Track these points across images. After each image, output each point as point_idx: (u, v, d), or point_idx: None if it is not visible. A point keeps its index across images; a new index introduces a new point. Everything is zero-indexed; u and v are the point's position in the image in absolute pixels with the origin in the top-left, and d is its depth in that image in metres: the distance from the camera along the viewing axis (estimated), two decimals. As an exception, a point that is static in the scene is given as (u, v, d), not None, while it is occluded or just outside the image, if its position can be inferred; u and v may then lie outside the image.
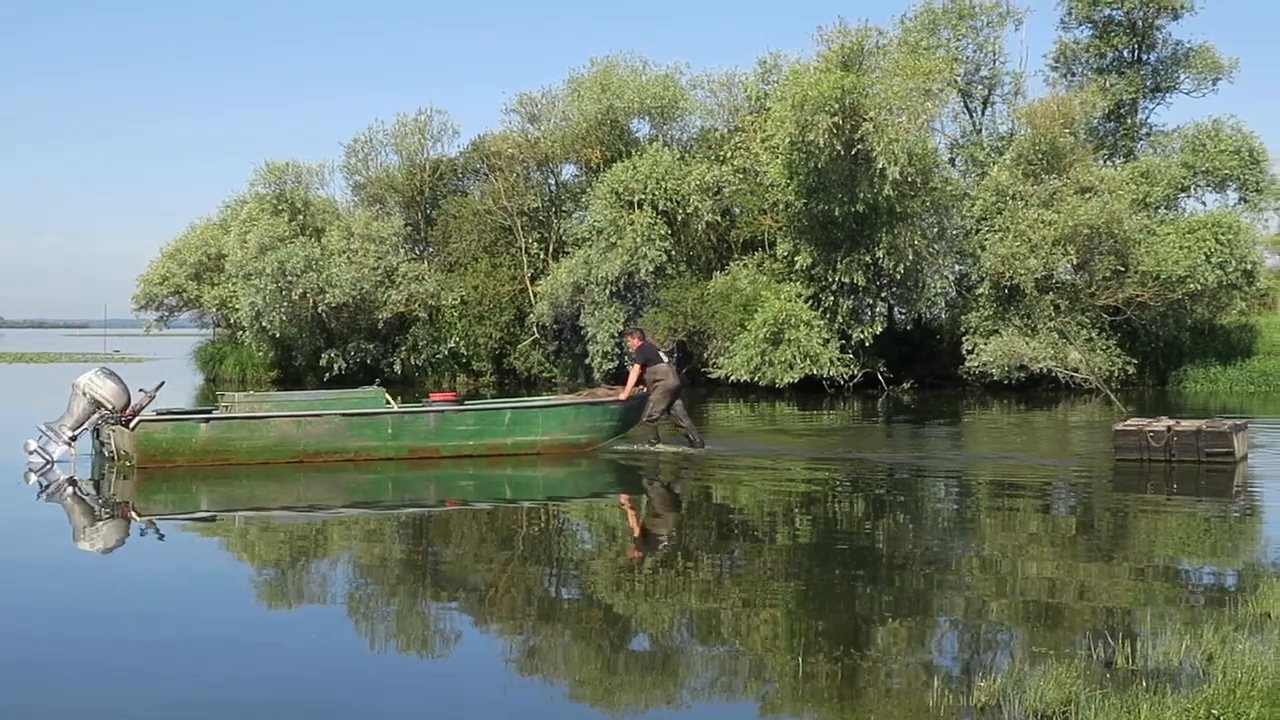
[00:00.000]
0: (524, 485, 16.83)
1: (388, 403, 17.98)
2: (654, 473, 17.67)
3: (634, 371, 18.99)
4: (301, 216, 41.99)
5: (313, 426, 17.27)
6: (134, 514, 14.04)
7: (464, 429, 17.99)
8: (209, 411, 17.79)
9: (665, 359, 19.48)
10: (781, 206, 36.28)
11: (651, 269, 36.92)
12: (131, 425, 16.65)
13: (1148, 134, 41.59)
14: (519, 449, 18.16)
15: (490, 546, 12.00)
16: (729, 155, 38.55)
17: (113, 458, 17.05)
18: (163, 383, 17.83)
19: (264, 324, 39.95)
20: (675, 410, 19.25)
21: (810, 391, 33.95)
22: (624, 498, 15.81)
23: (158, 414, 17.37)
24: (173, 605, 9.30)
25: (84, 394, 16.89)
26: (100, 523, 13.75)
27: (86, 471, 16.86)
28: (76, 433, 17.04)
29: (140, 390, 17.11)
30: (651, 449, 18.86)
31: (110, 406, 16.87)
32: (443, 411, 18.03)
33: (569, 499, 15.94)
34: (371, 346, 40.96)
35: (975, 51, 39.87)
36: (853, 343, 35.32)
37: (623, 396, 18.88)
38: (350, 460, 17.33)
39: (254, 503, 15.18)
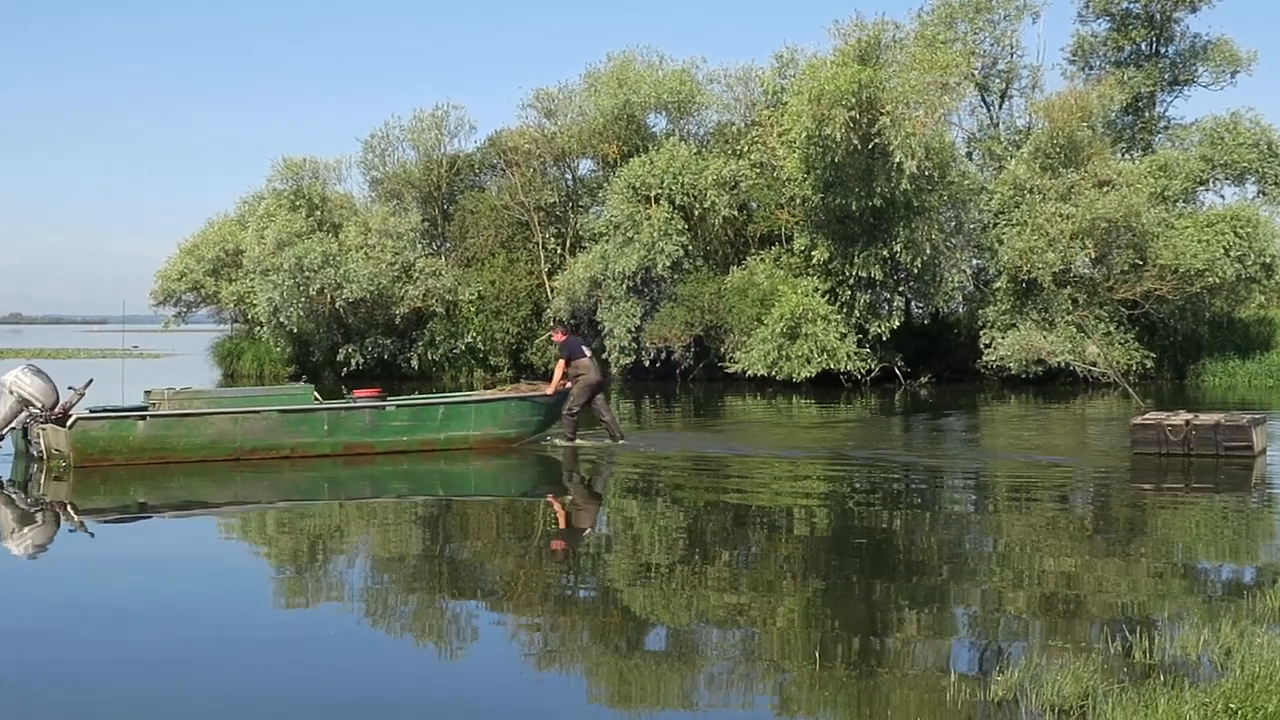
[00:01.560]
0: (458, 481, 16.84)
1: (316, 400, 17.97)
2: (574, 467, 17.66)
3: (559, 365, 19.15)
4: (319, 212, 42.05)
5: (250, 424, 16.96)
6: (73, 516, 13.60)
7: (398, 425, 17.98)
8: (142, 410, 17.16)
9: (588, 353, 19.58)
10: (798, 201, 36.25)
11: (668, 264, 36.92)
12: (69, 423, 16.10)
13: (1166, 127, 41.44)
14: (451, 444, 18.21)
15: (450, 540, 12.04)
16: (745, 150, 38.52)
17: (42, 458, 16.44)
18: (91, 380, 17.23)
19: (281, 319, 40.02)
20: (596, 404, 19.43)
21: (828, 386, 33.93)
22: (583, 489, 15.82)
23: (91, 411, 16.85)
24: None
25: (11, 392, 16.26)
26: (37, 526, 13.32)
27: (7, 472, 16.15)
28: (4, 432, 16.57)
29: (69, 388, 16.51)
30: (569, 444, 18.89)
31: (39, 405, 16.27)
32: (378, 407, 18.04)
33: (498, 496, 15.94)
34: (389, 342, 41.02)
35: (992, 45, 39.76)
36: (870, 337, 35.28)
37: (550, 391, 19.06)
38: (286, 458, 17.14)
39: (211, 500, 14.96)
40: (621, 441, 19.14)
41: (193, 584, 9.91)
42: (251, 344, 45.92)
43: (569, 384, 19.04)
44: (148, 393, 17.72)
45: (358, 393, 19.00)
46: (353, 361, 40.46)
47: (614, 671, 7.49)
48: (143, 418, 16.64)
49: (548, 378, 20.26)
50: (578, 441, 18.96)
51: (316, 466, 16.99)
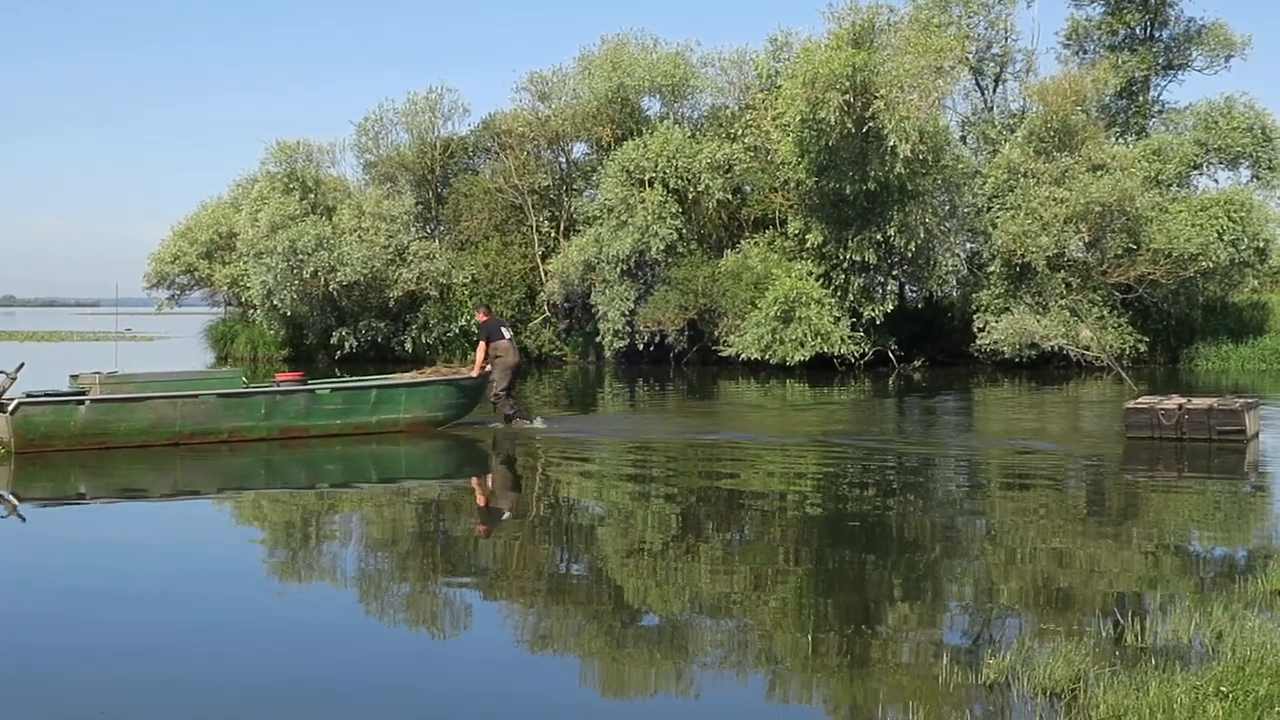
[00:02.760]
0: (392, 463, 16.84)
1: (245, 384, 17.87)
2: (509, 447, 17.82)
3: (481, 346, 19.34)
4: (312, 195, 41.97)
5: (188, 408, 16.83)
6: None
7: (332, 408, 18.03)
8: (73, 394, 16.62)
9: (507, 335, 19.76)
10: (792, 184, 36.23)
11: (662, 247, 36.88)
12: (11, 409, 15.76)
13: (1160, 111, 41.43)
14: (383, 427, 18.33)
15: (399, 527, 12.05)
16: (740, 133, 38.49)
17: None
18: (23, 364, 16.76)
19: (275, 302, 39.95)
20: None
21: (821, 369, 33.95)
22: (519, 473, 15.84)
23: (29, 396, 16.38)
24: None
25: None
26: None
27: None
28: None
29: (1, 373, 16.11)
30: (512, 427, 19.10)
31: None
32: (313, 391, 18.03)
33: (431, 479, 15.94)
34: (382, 325, 40.98)
35: (987, 29, 39.70)
36: (864, 321, 35.30)
37: (474, 373, 19.25)
38: (225, 441, 17.04)
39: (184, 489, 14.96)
40: (531, 425, 19.35)
41: (149, 566, 9.93)
42: (245, 327, 45.83)
43: (490, 366, 19.24)
44: (74, 377, 17.35)
45: (280, 376, 18.86)
46: (346, 345, 40.43)
47: (597, 657, 7.50)
48: (82, 403, 16.28)
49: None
50: (517, 423, 19.24)
51: (253, 450, 16.91)
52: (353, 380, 20.20)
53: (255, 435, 17.30)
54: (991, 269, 35.81)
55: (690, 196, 37.64)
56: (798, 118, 33.49)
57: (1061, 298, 34.61)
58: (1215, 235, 34.54)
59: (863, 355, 35.00)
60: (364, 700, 6.49)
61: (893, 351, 35.98)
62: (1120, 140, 38.76)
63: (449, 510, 13.15)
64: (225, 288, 47.05)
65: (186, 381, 17.63)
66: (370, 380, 19.75)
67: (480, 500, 13.95)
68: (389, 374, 21.15)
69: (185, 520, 12.53)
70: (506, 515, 12.73)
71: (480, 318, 20.37)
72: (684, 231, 37.59)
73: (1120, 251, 34.99)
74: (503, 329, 19.85)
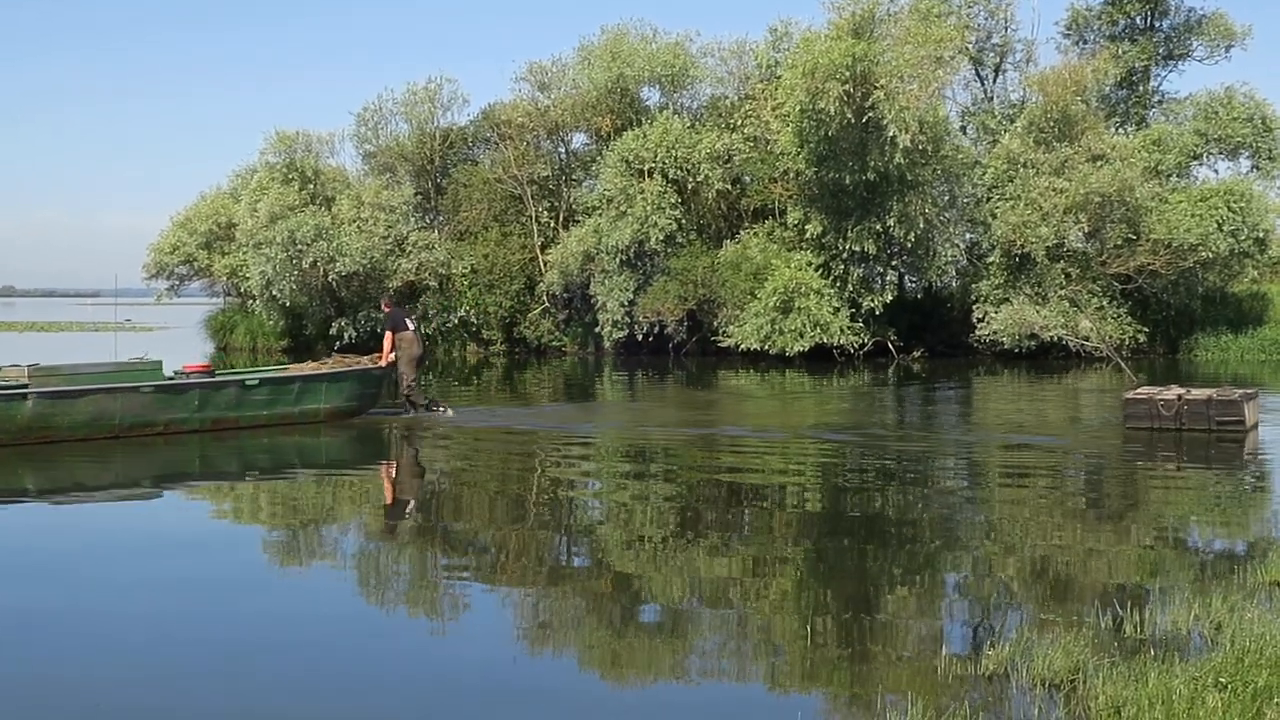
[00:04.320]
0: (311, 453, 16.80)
1: (173, 377, 17.67)
2: (415, 436, 17.97)
3: (388, 337, 19.61)
4: (312, 185, 41.99)
5: (128, 401, 16.63)
6: None
7: (259, 399, 18.01)
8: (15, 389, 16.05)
9: (411, 326, 20.06)
10: (792, 175, 36.21)
11: (662, 237, 36.89)
12: None
13: (1160, 101, 41.42)
14: (305, 418, 18.40)
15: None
16: (739, 123, 38.47)
17: None
18: None
19: (274, 293, 39.96)
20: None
21: (820, 360, 33.95)
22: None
23: None
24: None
25: None
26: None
27: None
28: None
29: None
30: (423, 415, 19.38)
31: None
32: (241, 382, 18.03)
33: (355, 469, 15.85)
34: (381, 315, 40.93)
35: (987, 19, 39.76)
36: (863, 311, 35.31)
37: (383, 362, 19.42)
38: (160, 434, 16.86)
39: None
40: (413, 415, 19.53)
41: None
42: (244, 317, 45.86)
43: (395, 356, 19.46)
44: None
45: (187, 367, 18.65)
46: (345, 335, 40.44)
47: (596, 647, 7.50)
48: (25, 396, 15.87)
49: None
50: (438, 411, 19.60)
51: (186, 442, 16.66)
52: (270, 371, 19.89)
53: (189, 427, 17.20)
54: (991, 259, 35.81)
55: (690, 187, 37.64)
56: (797, 108, 33.48)
57: (1061, 288, 34.62)
58: (1215, 225, 34.56)
59: (862, 346, 35.02)
60: (366, 691, 6.48)
61: (892, 342, 35.99)
62: (1120, 130, 38.73)
63: (434, 499, 13.13)
64: (224, 278, 47.09)
65: (112, 373, 17.32)
66: (267, 372, 19.51)
67: (385, 492, 13.93)
68: (287, 365, 21.03)
69: (194, 513, 12.54)
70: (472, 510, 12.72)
71: (385, 308, 20.75)
72: (683, 222, 37.59)
73: (1120, 242, 34.99)
74: (407, 320, 20.22)
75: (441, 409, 19.81)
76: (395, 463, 16.34)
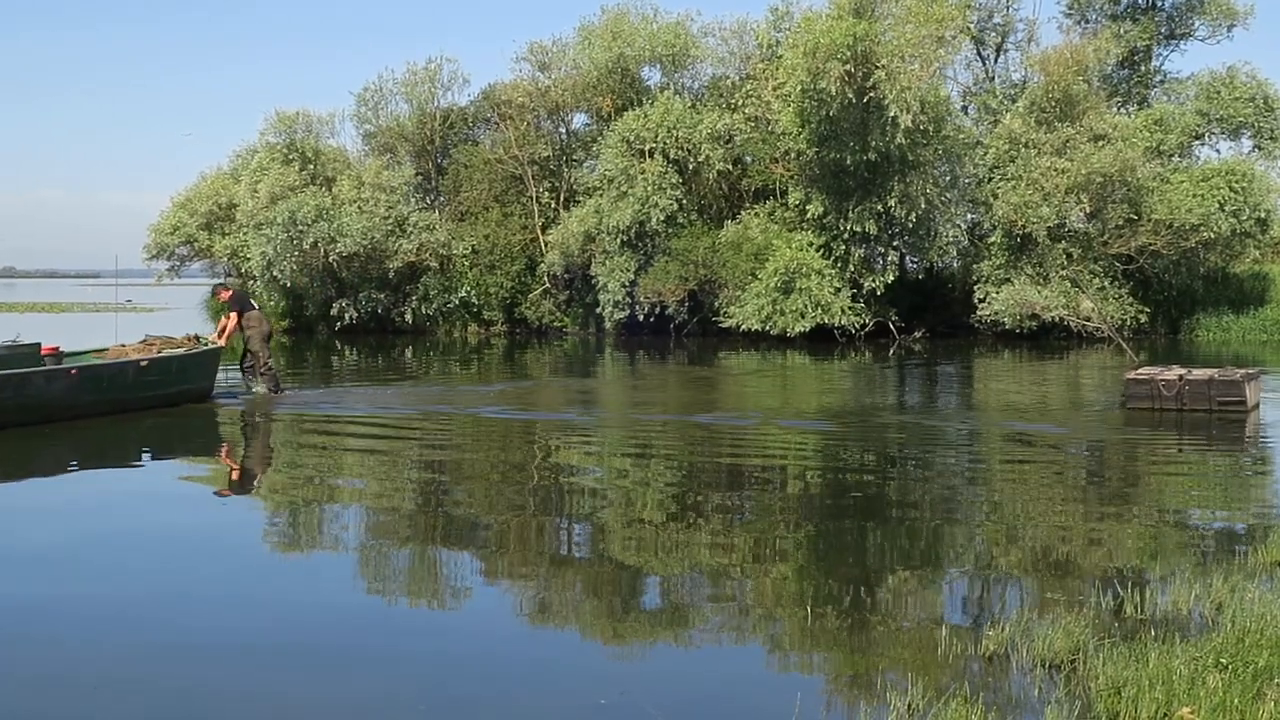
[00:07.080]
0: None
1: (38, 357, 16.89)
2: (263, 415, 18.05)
3: (231, 318, 19.87)
4: (312, 166, 41.97)
5: (58, 383, 16.17)
6: None
7: (151, 379, 17.72)
8: None
9: (257, 306, 20.69)
10: (793, 155, 36.14)
11: (662, 218, 36.85)
12: None
13: (1162, 81, 41.29)
14: (183, 398, 18.30)
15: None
16: (740, 103, 38.39)
17: None
18: None
19: (275, 273, 39.93)
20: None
21: (822, 340, 33.94)
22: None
23: None
24: None
25: None
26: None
27: None
28: None
29: None
30: (274, 395, 19.62)
31: None
32: (137, 363, 17.57)
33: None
34: (382, 296, 40.97)
35: (989, -2, 39.60)
36: (864, 292, 35.30)
37: (222, 342, 19.73)
38: (77, 417, 16.21)
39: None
40: (253, 394, 19.77)
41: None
42: (245, 298, 45.76)
43: (247, 334, 19.83)
44: None
45: (45, 350, 17.25)
46: (347, 315, 40.46)
47: (598, 629, 7.51)
48: None
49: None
50: (285, 391, 20.09)
51: (95, 424, 16.23)
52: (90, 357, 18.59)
53: (98, 411, 16.64)
54: (992, 240, 35.79)
55: (690, 167, 37.59)
56: (798, 88, 33.40)
57: (1062, 268, 34.59)
58: (1217, 206, 34.52)
59: (863, 326, 35.02)
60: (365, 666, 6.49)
61: (893, 322, 35.98)
62: (1122, 110, 38.67)
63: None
64: (225, 259, 47.00)
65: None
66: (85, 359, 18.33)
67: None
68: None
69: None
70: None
71: (225, 295, 20.86)
72: (684, 202, 37.55)
73: (1121, 222, 34.95)
74: (251, 300, 20.82)
75: (280, 389, 19.98)
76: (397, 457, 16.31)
